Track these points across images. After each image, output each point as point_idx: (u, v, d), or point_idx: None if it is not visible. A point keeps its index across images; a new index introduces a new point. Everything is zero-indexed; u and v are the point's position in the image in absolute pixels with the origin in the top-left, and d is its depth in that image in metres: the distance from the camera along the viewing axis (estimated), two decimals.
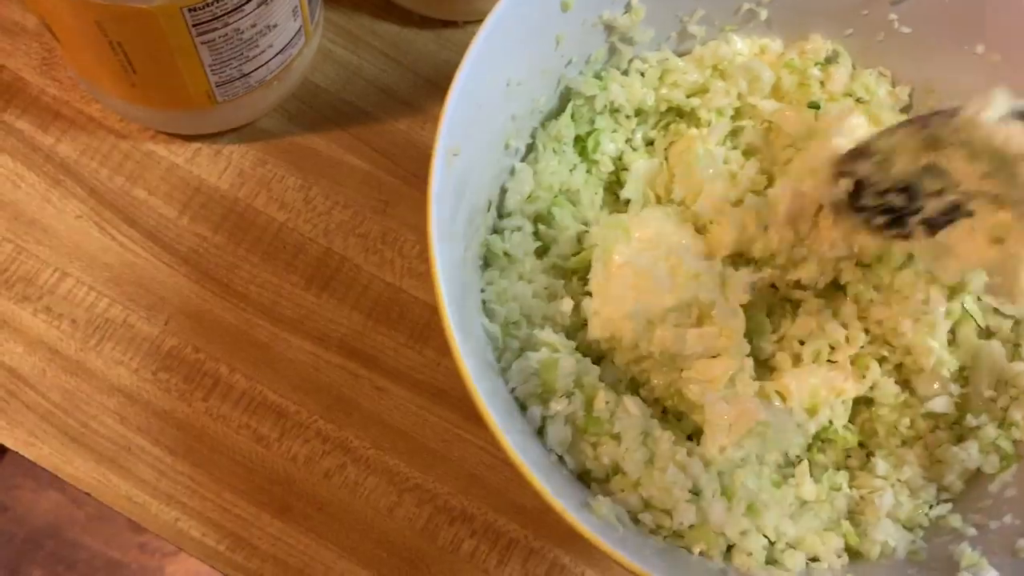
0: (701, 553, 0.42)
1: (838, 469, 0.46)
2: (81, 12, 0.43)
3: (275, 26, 0.47)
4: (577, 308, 0.47)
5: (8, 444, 0.49)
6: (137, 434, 0.49)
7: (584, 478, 0.44)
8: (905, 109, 0.51)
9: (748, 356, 0.46)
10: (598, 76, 0.49)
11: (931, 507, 0.45)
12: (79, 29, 0.45)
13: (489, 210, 0.47)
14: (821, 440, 0.47)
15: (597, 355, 0.46)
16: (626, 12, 0.48)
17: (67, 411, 0.49)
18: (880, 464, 0.45)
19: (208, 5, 0.43)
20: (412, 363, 0.51)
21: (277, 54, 0.49)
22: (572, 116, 0.49)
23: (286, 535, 0.48)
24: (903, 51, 0.49)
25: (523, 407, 0.43)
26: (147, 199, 0.53)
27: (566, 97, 0.49)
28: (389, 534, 0.49)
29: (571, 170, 0.49)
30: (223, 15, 0.44)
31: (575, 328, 0.47)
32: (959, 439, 0.46)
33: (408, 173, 0.55)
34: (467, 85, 0.41)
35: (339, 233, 0.53)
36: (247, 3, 0.44)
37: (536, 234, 0.48)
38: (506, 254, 0.47)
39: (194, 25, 0.44)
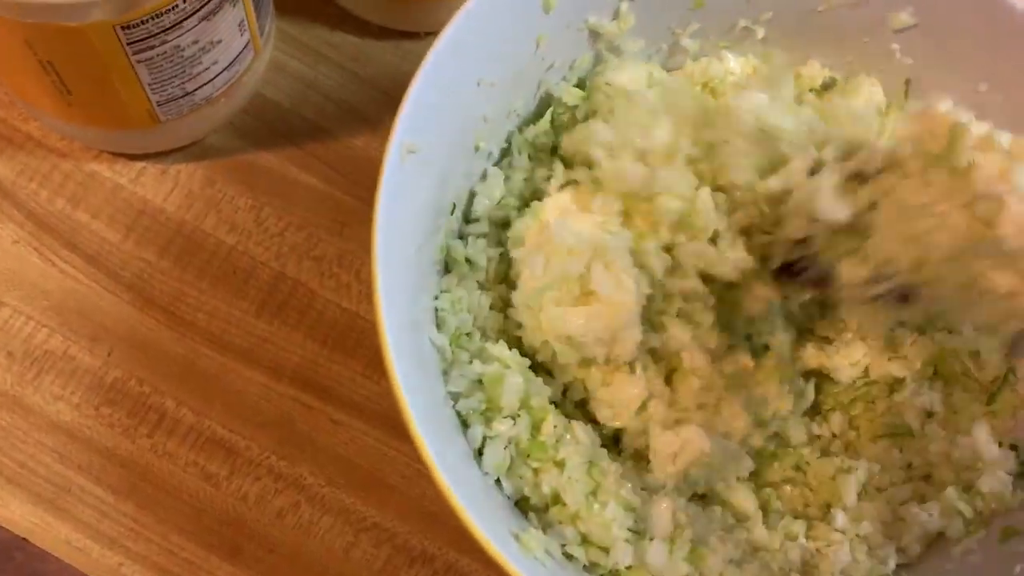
0: None
1: (796, 518, 0.44)
2: (8, 30, 0.40)
3: (219, 42, 0.45)
4: None
5: None
6: (78, 473, 0.47)
7: (522, 505, 0.41)
8: None
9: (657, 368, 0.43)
10: (580, 85, 0.47)
11: (886, 565, 0.42)
12: (7, 48, 0.42)
13: (453, 213, 0.44)
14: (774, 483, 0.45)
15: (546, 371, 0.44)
16: (614, 19, 0.45)
17: (2, 450, 0.47)
18: (839, 516, 0.43)
19: (143, 23, 0.40)
20: (369, 394, 0.49)
21: (223, 70, 0.47)
22: (552, 123, 0.47)
23: None
24: (903, 83, 0.47)
25: (466, 425, 0.41)
26: (89, 222, 0.50)
27: (546, 102, 0.47)
28: None
29: (547, 179, 0.47)
30: (160, 32, 0.41)
31: None
32: (922, 499, 0.44)
33: (366, 192, 0.52)
34: (432, 79, 0.38)
35: (292, 256, 0.51)
36: (187, 19, 0.41)
37: (501, 241, 0.46)
38: (468, 260, 0.44)
39: (129, 43, 0.41)
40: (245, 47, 0.47)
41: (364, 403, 0.49)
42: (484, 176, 0.45)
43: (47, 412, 0.47)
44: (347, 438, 0.48)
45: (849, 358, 0.45)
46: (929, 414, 0.45)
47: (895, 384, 0.46)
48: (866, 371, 0.46)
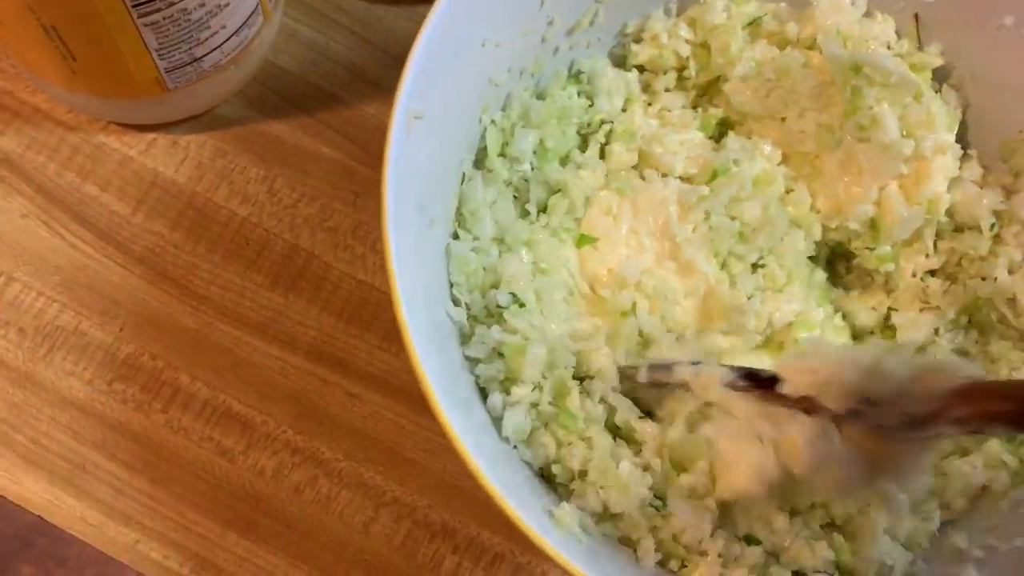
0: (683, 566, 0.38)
1: None
2: None
3: (227, 5, 0.43)
4: None
5: None
6: (92, 450, 0.46)
7: (544, 473, 0.40)
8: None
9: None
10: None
11: (931, 521, 0.41)
12: (11, 14, 0.41)
13: (463, 183, 0.43)
14: None
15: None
16: None
17: (15, 427, 0.46)
18: None
19: None
20: (387, 367, 0.48)
21: (232, 35, 0.45)
22: (579, 94, 0.46)
23: (254, 555, 0.45)
24: (925, 23, 0.45)
25: (484, 394, 0.40)
26: (99, 195, 0.49)
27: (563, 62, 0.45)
28: (365, 552, 0.46)
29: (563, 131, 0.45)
30: None
31: None
32: (964, 452, 0.42)
33: (379, 161, 0.50)
34: (436, 41, 0.37)
35: (306, 227, 0.49)
36: None
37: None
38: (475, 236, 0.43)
39: (134, 6, 0.40)
40: (254, 11, 0.46)
41: (381, 376, 0.48)
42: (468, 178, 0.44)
43: (59, 388, 0.46)
44: (364, 412, 0.47)
45: (867, 303, 0.44)
46: None
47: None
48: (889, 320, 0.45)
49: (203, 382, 0.47)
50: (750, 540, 0.39)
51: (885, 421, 0.34)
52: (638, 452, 0.41)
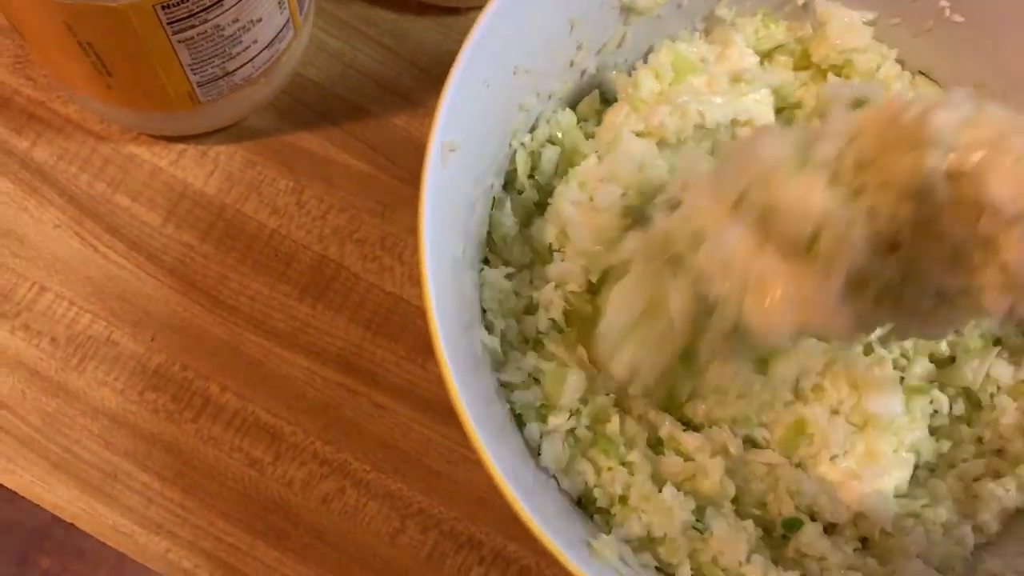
0: None
1: None
2: (48, 13, 0.40)
3: (259, 20, 0.44)
4: None
5: None
6: (123, 459, 0.46)
7: (584, 501, 0.40)
8: None
9: None
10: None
11: (964, 546, 0.41)
12: (47, 31, 0.41)
13: (492, 208, 0.43)
14: None
15: None
16: None
17: (48, 436, 0.46)
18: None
19: (183, 2, 0.39)
20: (414, 379, 0.48)
21: (263, 49, 0.46)
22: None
23: (283, 565, 0.46)
24: (955, 42, 0.45)
25: (521, 423, 0.40)
26: (130, 206, 0.49)
27: (591, 84, 0.45)
28: (392, 563, 0.46)
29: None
30: (200, 11, 0.40)
31: None
32: (997, 474, 0.42)
33: (408, 173, 0.51)
34: (468, 74, 0.37)
35: (335, 239, 0.50)
36: None
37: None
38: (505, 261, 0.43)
39: (169, 23, 0.40)
40: (285, 25, 0.46)
41: (408, 388, 0.48)
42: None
43: (92, 398, 0.47)
44: (392, 423, 0.48)
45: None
46: (998, 385, 0.44)
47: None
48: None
49: (233, 392, 0.47)
50: (786, 564, 0.39)
51: None
52: (688, 459, 0.41)
